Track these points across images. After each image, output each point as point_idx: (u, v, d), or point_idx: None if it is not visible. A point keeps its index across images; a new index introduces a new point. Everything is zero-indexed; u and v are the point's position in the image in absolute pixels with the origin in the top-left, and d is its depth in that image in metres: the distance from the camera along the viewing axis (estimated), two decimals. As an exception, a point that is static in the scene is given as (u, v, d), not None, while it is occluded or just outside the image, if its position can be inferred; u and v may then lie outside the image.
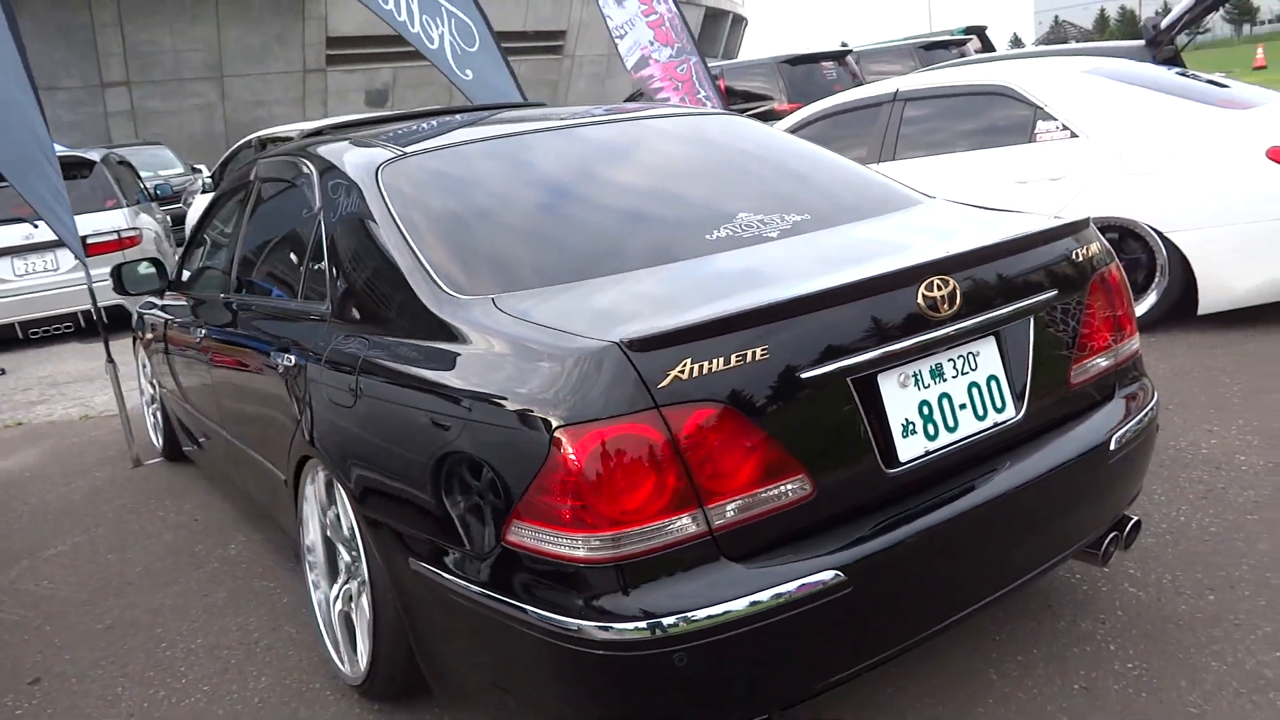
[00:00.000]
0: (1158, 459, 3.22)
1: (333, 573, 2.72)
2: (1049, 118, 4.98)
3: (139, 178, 11.98)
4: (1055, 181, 4.86)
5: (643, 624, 1.61)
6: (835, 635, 1.76)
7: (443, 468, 1.87)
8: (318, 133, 3.51)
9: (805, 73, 12.67)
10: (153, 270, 4.13)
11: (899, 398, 1.87)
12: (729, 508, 1.68)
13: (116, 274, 4.06)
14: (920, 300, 1.89)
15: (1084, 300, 2.17)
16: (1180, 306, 4.69)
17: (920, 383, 1.90)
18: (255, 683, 2.68)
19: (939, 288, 1.91)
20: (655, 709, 1.68)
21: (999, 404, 2.02)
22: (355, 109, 25.83)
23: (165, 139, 19.27)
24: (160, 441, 4.83)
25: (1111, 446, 2.12)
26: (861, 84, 13.24)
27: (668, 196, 2.44)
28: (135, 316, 4.85)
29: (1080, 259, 2.19)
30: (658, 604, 1.63)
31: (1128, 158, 4.72)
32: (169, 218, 11.70)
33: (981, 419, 1.98)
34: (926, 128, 5.41)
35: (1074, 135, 4.88)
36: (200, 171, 18.28)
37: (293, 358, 2.49)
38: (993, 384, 2.01)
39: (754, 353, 1.71)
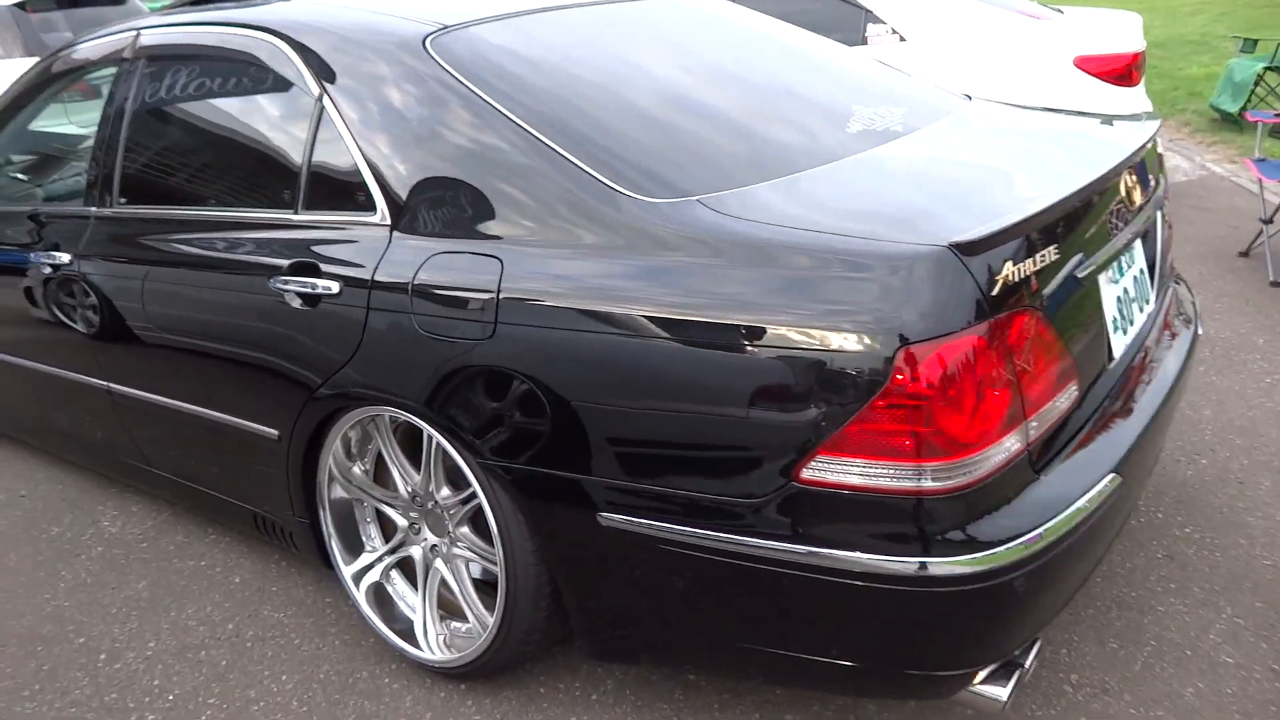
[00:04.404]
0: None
1: (350, 543, 2.28)
2: (878, 21, 5.15)
3: None
4: (890, 83, 5.06)
5: (990, 552, 1.48)
6: (1105, 532, 1.74)
7: (684, 403, 1.58)
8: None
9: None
10: (-83, 178, 3.11)
11: (1109, 294, 1.85)
12: (1033, 421, 1.58)
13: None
14: (1123, 196, 1.87)
15: (1167, 194, 2.27)
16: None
17: (1114, 279, 1.89)
18: (276, 683, 2.19)
19: (1128, 185, 1.90)
20: (985, 640, 1.57)
21: (1148, 296, 2.07)
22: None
23: None
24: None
25: (1199, 332, 2.27)
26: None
27: (775, 87, 2.19)
28: None
29: (1160, 157, 2.28)
30: (1000, 529, 1.51)
31: (951, 61, 5.01)
32: None
33: (1142, 311, 2.02)
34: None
35: (902, 39, 5.10)
36: None
37: (333, 285, 1.98)
38: (1144, 276, 2.05)
39: (1050, 253, 1.60)
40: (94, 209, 2.60)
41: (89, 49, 2.75)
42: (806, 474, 1.52)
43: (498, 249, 1.79)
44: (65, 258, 2.61)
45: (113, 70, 2.61)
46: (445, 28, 2.06)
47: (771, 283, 1.53)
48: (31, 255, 2.73)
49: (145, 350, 2.47)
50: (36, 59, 3.02)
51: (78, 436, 2.96)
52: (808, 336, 1.48)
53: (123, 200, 2.53)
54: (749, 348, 1.52)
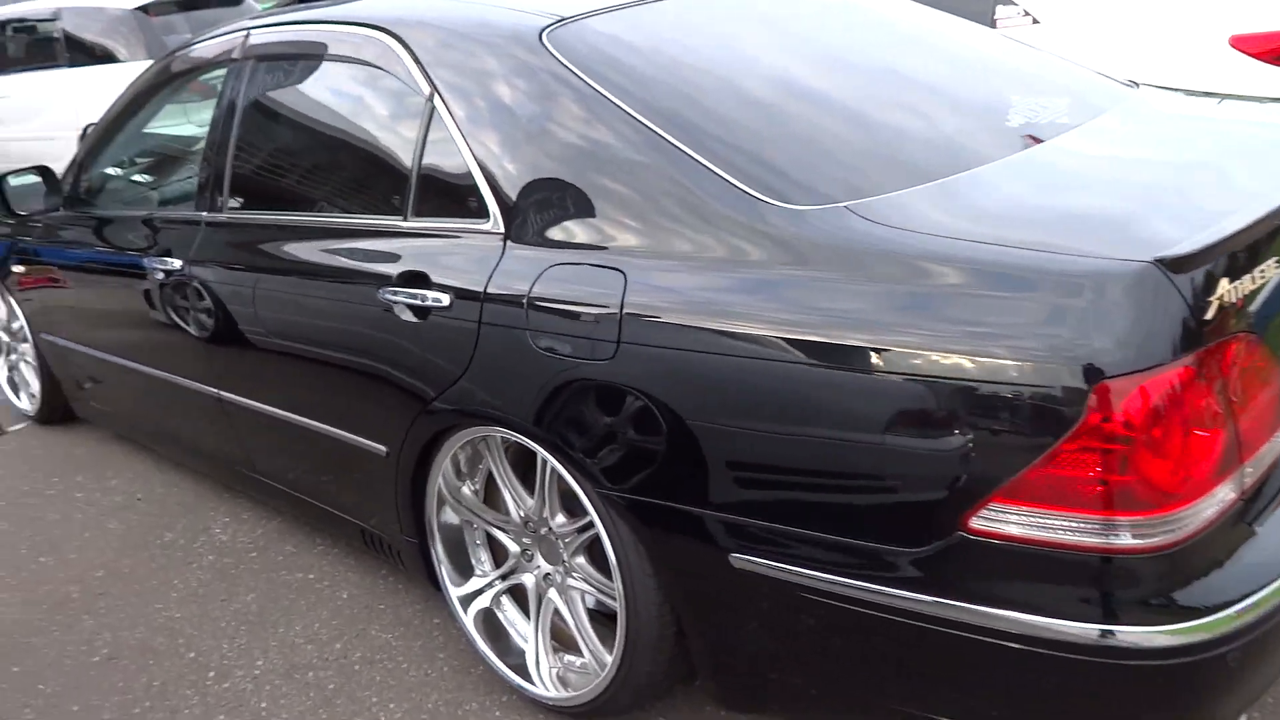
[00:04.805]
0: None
1: (460, 565, 2.17)
2: (1009, 2, 4.83)
3: None
4: (1021, 68, 4.75)
5: (1197, 622, 1.27)
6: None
7: (835, 439, 1.40)
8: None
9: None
10: (38, 180, 3.15)
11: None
12: (1249, 466, 1.35)
13: (-1, 190, 3.06)
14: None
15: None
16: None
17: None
18: (384, 711, 2.10)
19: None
20: (1188, 720, 1.36)
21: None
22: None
23: None
24: (30, 403, 3.84)
25: None
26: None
27: (920, 77, 1.98)
28: (-24, 244, 3.77)
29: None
30: (1208, 594, 1.29)
31: (1089, 44, 4.66)
32: None
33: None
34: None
35: (1035, 21, 4.77)
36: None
37: (443, 297, 1.86)
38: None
39: (1269, 267, 1.37)
40: (204, 214, 2.55)
41: (201, 50, 2.71)
42: (976, 523, 1.33)
43: (621, 261, 1.63)
44: (177, 263, 2.57)
45: (223, 71, 2.56)
46: (561, 20, 1.92)
47: (936, 304, 1.34)
48: (145, 260, 2.71)
49: (254, 359, 2.41)
50: (154, 62, 3.01)
51: (190, 442, 2.94)
52: (980, 366, 1.29)
53: (231, 205, 2.47)
54: (911, 378, 1.33)
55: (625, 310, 1.59)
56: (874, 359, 1.35)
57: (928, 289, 1.35)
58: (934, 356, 1.31)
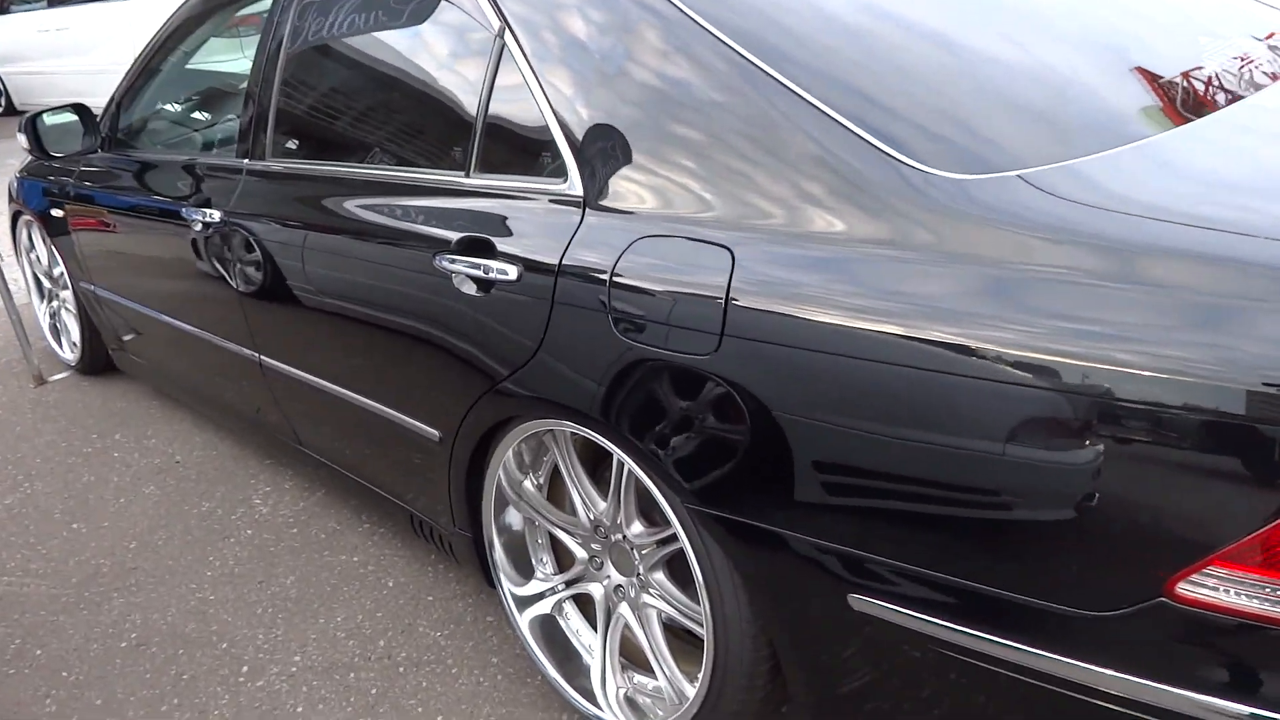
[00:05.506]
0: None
1: (519, 565, 1.94)
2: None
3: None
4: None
5: None
6: None
7: (1001, 471, 1.12)
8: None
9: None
10: (75, 119, 2.92)
11: None
12: None
13: (32, 128, 2.83)
14: None
15: None
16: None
17: None
18: (431, 726, 1.89)
19: None
20: None
21: None
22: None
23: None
24: (72, 351, 3.68)
25: None
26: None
27: (1087, 11, 1.65)
28: (16, 185, 3.58)
29: None
30: None
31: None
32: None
33: None
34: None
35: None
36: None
37: (509, 269, 1.60)
38: None
39: None
40: (245, 161, 2.31)
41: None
42: (1184, 589, 1.04)
43: (727, 235, 1.35)
44: (216, 215, 2.34)
45: (268, 3, 2.29)
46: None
47: (1142, 306, 1.04)
48: (184, 210, 2.48)
49: (295, 325, 2.18)
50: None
51: (232, 406, 2.74)
52: (1202, 389, 0.99)
53: (274, 153, 2.22)
54: (1109, 401, 1.04)
55: (732, 296, 1.31)
56: (1061, 373, 1.06)
57: (1129, 286, 1.05)
58: (1141, 373, 1.02)
